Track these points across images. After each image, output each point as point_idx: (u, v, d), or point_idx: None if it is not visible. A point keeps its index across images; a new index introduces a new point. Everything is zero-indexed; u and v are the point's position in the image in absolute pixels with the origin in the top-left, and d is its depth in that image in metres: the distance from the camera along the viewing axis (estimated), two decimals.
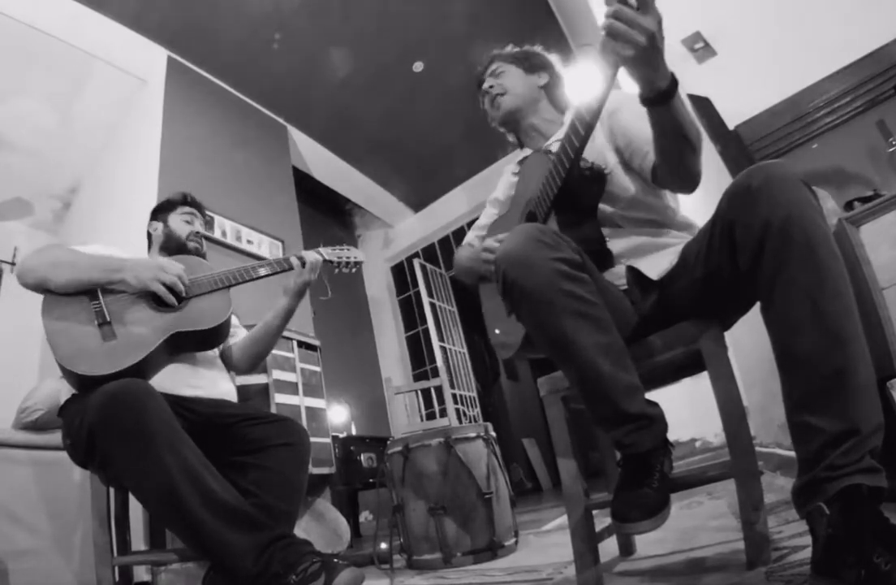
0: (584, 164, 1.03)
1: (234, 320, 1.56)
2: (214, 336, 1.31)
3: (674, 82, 0.82)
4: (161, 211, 1.59)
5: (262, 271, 1.39)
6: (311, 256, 1.43)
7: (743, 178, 0.77)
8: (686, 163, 0.92)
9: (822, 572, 0.60)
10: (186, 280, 1.27)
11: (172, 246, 1.51)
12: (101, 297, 1.20)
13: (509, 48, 1.30)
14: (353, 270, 1.55)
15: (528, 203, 1.12)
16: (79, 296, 1.20)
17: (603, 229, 1.04)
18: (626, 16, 0.73)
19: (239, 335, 1.53)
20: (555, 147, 1.09)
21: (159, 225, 1.56)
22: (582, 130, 0.88)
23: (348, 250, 1.55)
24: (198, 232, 1.56)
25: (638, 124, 1.02)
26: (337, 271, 1.53)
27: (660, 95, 0.82)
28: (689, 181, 0.96)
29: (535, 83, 1.25)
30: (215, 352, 1.47)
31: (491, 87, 1.24)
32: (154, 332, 1.20)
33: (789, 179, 0.73)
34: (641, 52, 0.75)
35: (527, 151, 1.29)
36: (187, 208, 1.59)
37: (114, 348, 1.15)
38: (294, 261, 1.41)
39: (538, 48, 1.30)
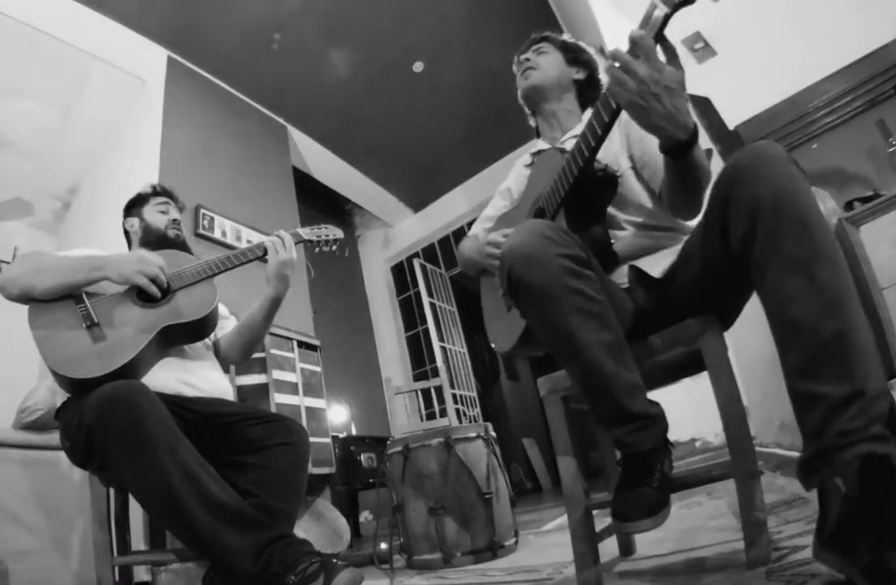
0: (597, 165, 1.02)
1: (223, 311, 1.55)
2: (204, 327, 1.30)
3: (694, 135, 0.79)
4: (134, 206, 1.56)
5: (243, 258, 1.37)
6: (282, 234, 1.41)
7: (732, 159, 0.78)
8: (691, 200, 0.93)
9: (832, 547, 0.58)
10: (168, 272, 1.25)
11: (153, 239, 1.49)
12: (86, 300, 1.19)
13: (565, 36, 1.32)
14: (334, 247, 1.54)
15: (537, 199, 1.11)
16: (63, 301, 1.19)
17: (610, 231, 1.04)
18: (622, 59, 0.73)
19: (228, 327, 1.52)
20: (569, 145, 1.09)
21: (135, 221, 1.53)
22: (599, 130, 0.87)
23: (326, 228, 1.54)
24: (175, 219, 1.54)
25: (652, 140, 1.02)
26: (318, 250, 1.52)
27: (675, 148, 0.80)
28: (689, 213, 0.98)
29: (570, 75, 1.27)
30: (207, 344, 1.46)
31: (527, 59, 1.27)
32: (144, 328, 1.19)
33: (777, 157, 0.74)
34: (635, 99, 0.74)
35: (542, 145, 1.29)
36: (160, 198, 1.56)
37: (105, 349, 1.14)
38: (267, 243, 1.39)
39: (592, 48, 1.32)
